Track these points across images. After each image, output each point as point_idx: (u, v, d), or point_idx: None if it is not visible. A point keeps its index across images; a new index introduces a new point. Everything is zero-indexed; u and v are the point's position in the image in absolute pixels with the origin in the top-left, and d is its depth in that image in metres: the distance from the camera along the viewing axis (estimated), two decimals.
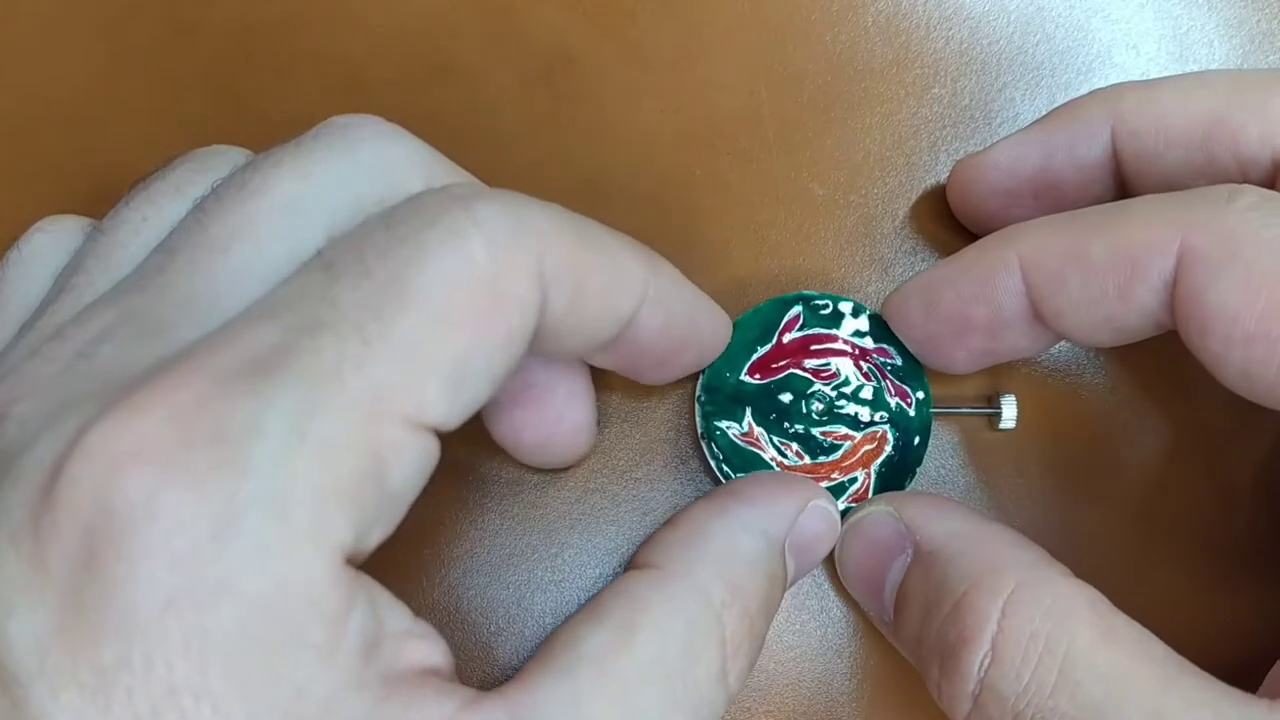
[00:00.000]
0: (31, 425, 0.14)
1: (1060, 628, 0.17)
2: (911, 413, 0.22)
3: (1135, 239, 0.18)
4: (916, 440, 0.22)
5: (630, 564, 0.19)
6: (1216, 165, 0.20)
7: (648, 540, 0.20)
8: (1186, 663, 0.17)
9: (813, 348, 0.23)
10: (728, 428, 0.22)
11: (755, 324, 0.23)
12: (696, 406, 0.22)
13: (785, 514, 0.20)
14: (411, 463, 0.14)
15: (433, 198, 0.15)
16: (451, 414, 0.15)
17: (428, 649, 0.15)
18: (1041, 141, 0.22)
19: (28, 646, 0.12)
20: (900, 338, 0.22)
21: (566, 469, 0.23)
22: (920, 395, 0.22)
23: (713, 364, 0.22)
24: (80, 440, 0.13)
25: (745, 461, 0.22)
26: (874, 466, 0.22)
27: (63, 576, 0.12)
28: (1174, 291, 0.18)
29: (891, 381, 0.22)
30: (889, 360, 0.22)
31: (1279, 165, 0.19)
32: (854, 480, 0.22)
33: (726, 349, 0.22)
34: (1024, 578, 0.18)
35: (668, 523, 0.20)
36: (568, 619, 0.17)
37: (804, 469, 0.22)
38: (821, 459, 0.22)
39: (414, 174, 0.17)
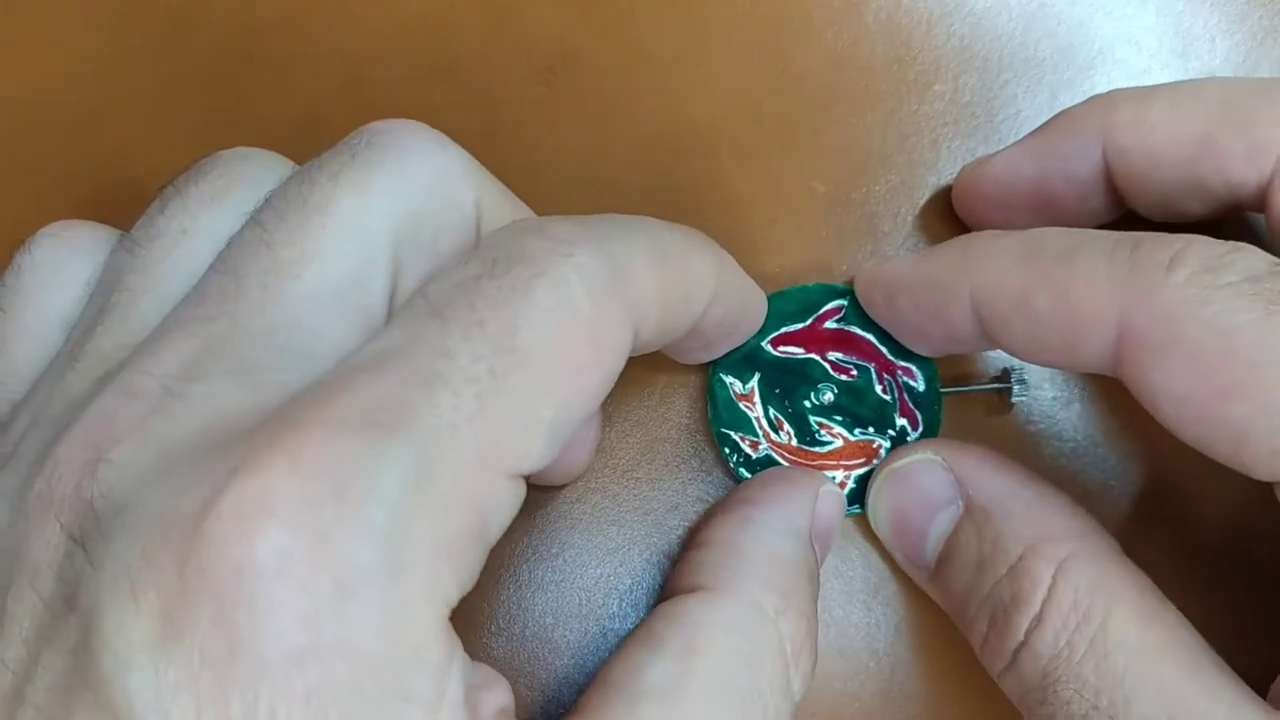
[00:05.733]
0: (133, 473, 0.14)
1: (1101, 601, 0.18)
2: (913, 438, 0.22)
3: (1075, 304, 0.18)
4: None
5: (668, 590, 0.19)
6: (1205, 187, 0.20)
7: (682, 566, 0.20)
8: (1218, 659, 0.18)
9: (843, 343, 0.23)
10: (730, 383, 0.22)
11: (796, 300, 0.23)
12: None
13: (805, 507, 0.20)
14: (507, 511, 0.15)
15: (533, 242, 0.15)
16: (545, 459, 0.15)
17: (499, 693, 0.15)
18: (1036, 156, 0.22)
19: (149, 699, 0.12)
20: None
21: (561, 486, 0.23)
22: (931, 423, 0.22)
23: None
24: (215, 500, 0.13)
25: (735, 419, 0.22)
26: (855, 474, 0.22)
27: (188, 631, 0.12)
28: (1118, 364, 0.17)
29: (906, 403, 0.22)
30: (911, 383, 0.22)
31: (1265, 187, 0.19)
32: (832, 478, 0.22)
33: None
34: (1077, 548, 0.18)
35: (695, 545, 0.20)
36: (621, 644, 0.17)
37: (789, 449, 0.22)
38: (809, 447, 0.22)
39: (465, 187, 0.18)
